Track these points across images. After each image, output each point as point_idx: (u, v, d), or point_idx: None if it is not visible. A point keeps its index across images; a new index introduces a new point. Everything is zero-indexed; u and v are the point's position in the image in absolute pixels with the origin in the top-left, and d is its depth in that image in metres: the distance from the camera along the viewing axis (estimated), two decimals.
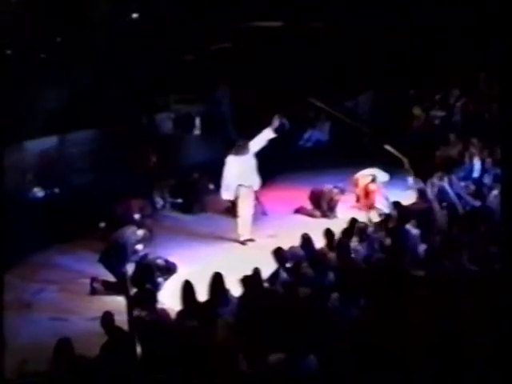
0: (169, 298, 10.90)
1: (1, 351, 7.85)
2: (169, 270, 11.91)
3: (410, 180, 15.08)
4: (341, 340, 7.98)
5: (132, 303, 9.13)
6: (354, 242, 11.35)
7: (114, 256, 12.12)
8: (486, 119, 17.17)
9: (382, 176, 15.40)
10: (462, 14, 18.36)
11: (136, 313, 9.16)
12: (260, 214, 15.38)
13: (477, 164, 14.44)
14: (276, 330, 8.16)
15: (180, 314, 9.25)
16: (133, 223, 13.05)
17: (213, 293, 9.58)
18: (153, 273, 11.59)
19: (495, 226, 11.23)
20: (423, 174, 15.07)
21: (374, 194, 15.28)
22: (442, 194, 12.87)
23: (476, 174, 14.00)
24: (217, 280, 9.69)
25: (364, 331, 8.17)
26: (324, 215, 15.18)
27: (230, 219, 15.21)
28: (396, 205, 12.90)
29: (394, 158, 15.91)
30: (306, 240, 11.20)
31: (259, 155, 15.39)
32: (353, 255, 10.94)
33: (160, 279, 11.69)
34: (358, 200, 15.52)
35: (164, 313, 9.35)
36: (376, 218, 13.09)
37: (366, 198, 15.30)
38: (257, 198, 15.15)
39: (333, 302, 8.92)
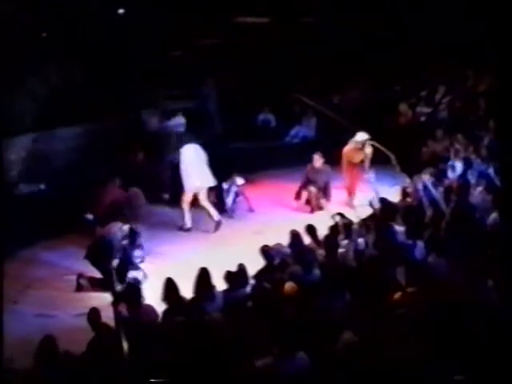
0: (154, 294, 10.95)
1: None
2: (135, 234, 12.25)
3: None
4: (328, 337, 7.98)
5: (118, 300, 9.13)
6: (341, 239, 11.38)
7: (100, 252, 12.12)
8: (472, 116, 17.19)
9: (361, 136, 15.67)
10: (450, 10, 18.38)
11: (121, 309, 9.17)
12: (246, 210, 15.48)
13: (462, 160, 14.47)
14: (263, 327, 8.17)
15: (166, 311, 9.25)
16: (121, 215, 13.01)
17: (199, 288, 9.59)
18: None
19: (480, 222, 11.29)
20: (410, 170, 15.12)
21: (359, 173, 15.58)
22: (425, 192, 12.91)
23: (461, 170, 14.03)
24: (203, 275, 9.69)
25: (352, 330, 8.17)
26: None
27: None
28: (382, 201, 12.93)
29: (380, 153, 15.94)
30: (295, 236, 11.19)
31: (245, 150, 15.52)
32: (340, 251, 10.95)
33: (139, 273, 11.82)
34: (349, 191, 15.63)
35: (149, 308, 9.36)
36: (362, 214, 13.12)
37: (351, 174, 15.60)
38: (243, 195, 15.35)
39: (321, 299, 8.94)
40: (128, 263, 12.16)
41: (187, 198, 14.59)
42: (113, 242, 12.20)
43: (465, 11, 17.85)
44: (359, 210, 14.08)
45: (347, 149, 15.84)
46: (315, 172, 15.70)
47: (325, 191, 15.69)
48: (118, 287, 11.36)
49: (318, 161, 15.70)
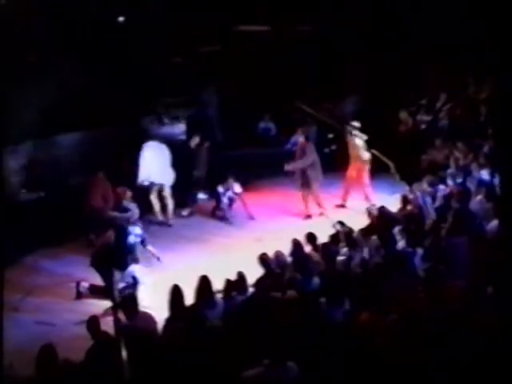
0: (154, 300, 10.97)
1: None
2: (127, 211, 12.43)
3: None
4: (327, 344, 7.97)
5: (117, 308, 9.12)
6: (342, 247, 11.39)
7: (104, 259, 12.08)
8: (473, 123, 17.17)
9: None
10: (451, 15, 18.36)
11: (120, 317, 9.16)
12: (246, 218, 15.50)
13: (461, 168, 14.47)
14: (261, 335, 8.16)
15: (168, 318, 9.23)
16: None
17: (199, 296, 9.59)
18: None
19: (480, 229, 11.29)
20: (409, 179, 15.12)
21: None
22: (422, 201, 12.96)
23: (460, 178, 14.01)
24: (203, 283, 9.69)
25: (350, 336, 8.17)
26: None
27: (217, 222, 15.34)
28: (380, 209, 12.90)
29: (380, 162, 15.96)
30: (296, 245, 11.18)
31: (246, 158, 15.51)
32: (340, 259, 10.94)
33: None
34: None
35: (147, 316, 9.36)
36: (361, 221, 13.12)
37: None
38: (241, 201, 15.39)
39: (320, 307, 8.93)
40: (128, 247, 12.24)
41: (153, 193, 15.14)
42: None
43: (466, 16, 17.83)
44: (355, 216, 14.07)
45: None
46: (299, 149, 15.98)
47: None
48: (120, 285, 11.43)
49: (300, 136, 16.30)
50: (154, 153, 15.28)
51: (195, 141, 16.23)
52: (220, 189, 15.55)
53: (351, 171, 16.08)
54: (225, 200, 15.53)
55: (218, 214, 15.70)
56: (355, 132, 15.88)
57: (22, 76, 15.74)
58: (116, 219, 12.64)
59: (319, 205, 15.68)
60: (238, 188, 15.58)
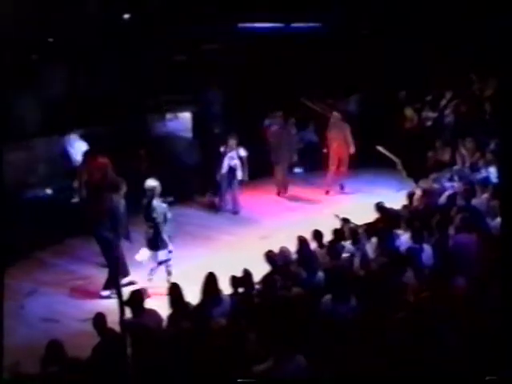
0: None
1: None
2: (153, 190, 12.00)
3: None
4: (332, 341, 7.97)
5: (123, 304, 9.11)
6: (348, 244, 11.38)
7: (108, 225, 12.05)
8: (478, 120, 17.13)
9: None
10: (455, 13, 18.35)
11: (126, 314, 9.16)
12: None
13: (468, 165, 14.45)
14: (267, 331, 8.16)
15: (171, 316, 9.23)
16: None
17: (206, 293, 9.58)
18: None
19: (486, 227, 11.27)
20: (416, 175, 15.11)
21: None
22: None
23: (467, 175, 13.99)
24: (210, 280, 9.68)
25: (356, 332, 8.16)
26: None
27: (222, 219, 15.33)
28: (379, 206, 12.87)
29: (386, 158, 15.96)
30: (302, 243, 11.16)
31: (253, 156, 15.54)
32: (345, 256, 10.94)
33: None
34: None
35: (152, 313, 9.35)
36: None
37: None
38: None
39: (325, 304, 8.93)
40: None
41: None
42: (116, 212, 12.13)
43: (470, 14, 17.83)
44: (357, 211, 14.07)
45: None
46: None
47: None
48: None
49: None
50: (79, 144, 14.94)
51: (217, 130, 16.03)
52: (222, 148, 15.28)
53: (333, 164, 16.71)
54: (226, 164, 15.27)
55: (212, 198, 15.82)
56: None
57: (26, 72, 15.78)
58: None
59: (283, 187, 16.45)
60: (242, 151, 15.36)
